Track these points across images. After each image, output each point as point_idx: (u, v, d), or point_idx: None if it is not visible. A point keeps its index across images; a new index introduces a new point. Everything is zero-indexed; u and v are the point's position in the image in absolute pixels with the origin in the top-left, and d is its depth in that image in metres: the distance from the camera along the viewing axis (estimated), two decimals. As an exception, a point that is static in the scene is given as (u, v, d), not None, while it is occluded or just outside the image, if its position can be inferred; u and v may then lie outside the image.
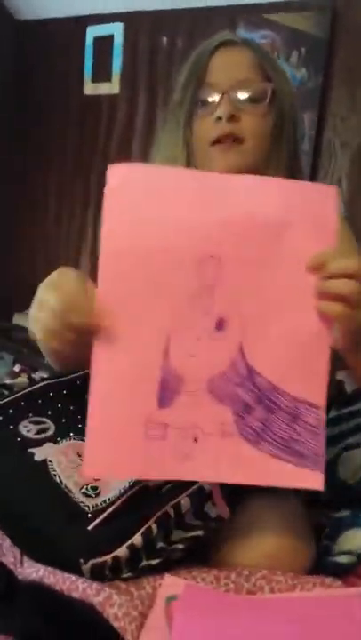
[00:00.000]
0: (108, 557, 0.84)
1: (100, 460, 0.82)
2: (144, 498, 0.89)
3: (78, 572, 0.84)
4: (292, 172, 1.11)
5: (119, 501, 0.88)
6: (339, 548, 0.95)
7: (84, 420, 1.00)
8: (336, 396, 1.26)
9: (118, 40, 2.44)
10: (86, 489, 0.91)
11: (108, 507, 0.88)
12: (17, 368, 2.26)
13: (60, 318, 0.79)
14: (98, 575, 0.84)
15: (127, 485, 0.90)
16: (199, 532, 0.89)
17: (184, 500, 0.88)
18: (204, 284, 0.79)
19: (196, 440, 0.81)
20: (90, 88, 2.57)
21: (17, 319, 2.84)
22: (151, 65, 2.40)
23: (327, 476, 1.12)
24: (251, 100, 1.01)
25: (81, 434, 0.98)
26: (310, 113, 1.88)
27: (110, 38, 2.46)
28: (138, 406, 0.80)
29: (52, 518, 0.88)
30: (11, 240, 2.79)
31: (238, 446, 0.81)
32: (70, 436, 0.99)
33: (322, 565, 0.91)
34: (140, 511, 0.88)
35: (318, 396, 0.82)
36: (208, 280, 0.79)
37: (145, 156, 2.45)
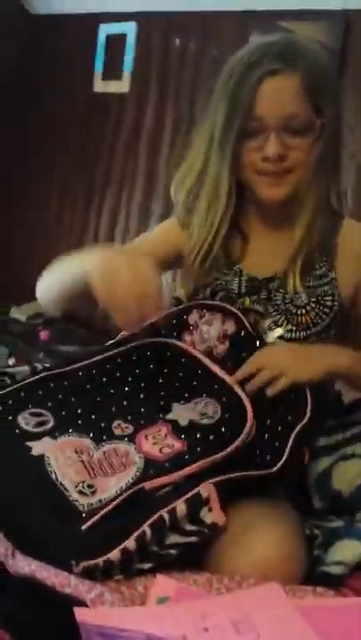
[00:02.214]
0: (100, 560, 0.83)
1: None
2: (140, 500, 0.88)
3: (69, 571, 0.84)
4: (336, 192, 1.12)
5: (114, 502, 0.87)
6: (330, 558, 0.94)
7: (83, 415, 1.01)
8: (333, 405, 1.26)
9: (130, 39, 2.44)
10: (82, 487, 0.90)
11: (103, 507, 0.87)
12: (11, 361, 2.26)
13: (132, 301, 0.87)
14: (89, 576, 0.83)
15: (124, 486, 0.90)
16: (193, 539, 0.88)
17: (180, 506, 0.87)
18: None
19: None
20: (100, 85, 2.57)
21: (14, 312, 2.83)
22: (162, 65, 2.40)
23: (322, 485, 1.13)
24: (299, 134, 1.02)
25: (80, 430, 0.98)
26: (319, 122, 1.89)
27: (123, 37, 2.46)
28: None
29: (45, 516, 0.88)
30: (11, 236, 2.79)
31: None
32: (69, 432, 0.98)
33: (313, 575, 0.91)
34: (135, 514, 0.87)
35: None
36: None
37: (152, 156, 2.45)
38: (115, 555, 0.83)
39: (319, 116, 1.02)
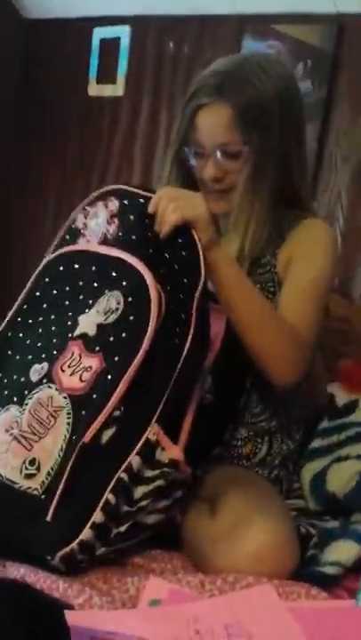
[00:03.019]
0: (74, 544, 0.83)
1: None
2: (88, 458, 0.85)
3: (51, 565, 0.83)
4: (292, 193, 1.20)
5: (64, 473, 0.85)
6: (326, 558, 0.94)
7: (5, 381, 0.96)
8: (327, 408, 1.26)
9: (125, 43, 2.44)
10: (25, 467, 0.88)
11: (55, 480, 0.85)
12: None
13: None
14: (71, 563, 0.83)
15: (63, 445, 0.87)
16: (159, 482, 0.87)
17: (134, 460, 0.86)
18: None
19: None
20: (94, 89, 2.57)
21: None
22: (156, 69, 2.40)
23: (317, 487, 1.13)
24: (230, 158, 1.13)
25: (4, 402, 0.94)
26: (313, 125, 1.89)
27: (117, 41, 2.46)
28: None
29: (9, 524, 0.87)
30: (8, 240, 2.78)
31: None
32: None
33: (308, 574, 0.91)
34: (91, 482, 0.85)
35: None
36: None
37: (146, 159, 2.45)
38: (86, 533, 0.83)
39: (247, 144, 1.12)
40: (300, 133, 1.19)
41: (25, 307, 1.04)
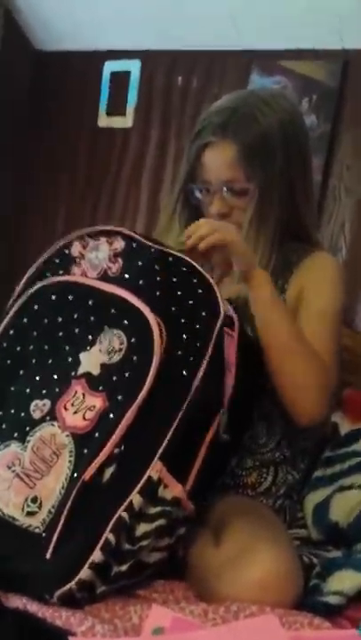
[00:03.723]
0: (72, 583, 0.82)
1: None
2: (89, 497, 0.84)
3: (52, 604, 0.83)
4: (298, 225, 1.21)
5: (65, 511, 0.84)
6: (328, 587, 0.94)
7: (5, 416, 0.95)
8: (330, 437, 1.26)
9: (135, 76, 2.50)
10: (27, 505, 0.88)
11: (56, 518, 0.84)
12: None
13: None
14: (70, 602, 0.83)
15: (65, 483, 0.86)
16: (161, 522, 0.86)
17: (135, 499, 0.84)
18: None
19: None
20: (104, 121, 2.62)
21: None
22: (165, 102, 2.44)
23: (320, 516, 1.13)
24: (236, 195, 1.16)
25: (5, 437, 0.93)
26: (318, 158, 1.92)
27: (127, 74, 2.51)
28: None
29: (8, 557, 0.87)
30: (12, 269, 2.80)
31: None
32: None
33: (311, 604, 0.91)
34: (91, 521, 0.84)
35: None
36: None
37: (154, 191, 2.48)
38: (85, 573, 0.82)
39: (251, 181, 1.14)
40: (305, 165, 1.22)
41: (11, 332, 1.01)
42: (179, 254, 0.97)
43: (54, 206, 2.73)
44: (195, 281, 0.94)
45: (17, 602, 0.85)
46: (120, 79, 2.53)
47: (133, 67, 2.49)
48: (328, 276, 1.18)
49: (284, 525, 1.12)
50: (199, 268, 0.95)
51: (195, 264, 0.95)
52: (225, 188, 1.16)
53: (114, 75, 2.56)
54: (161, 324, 0.89)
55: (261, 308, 1.05)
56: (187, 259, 0.96)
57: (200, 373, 0.89)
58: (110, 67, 2.56)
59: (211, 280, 0.95)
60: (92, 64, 2.61)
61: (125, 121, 2.54)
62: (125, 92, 2.51)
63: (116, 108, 2.56)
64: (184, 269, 0.95)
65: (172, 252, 0.97)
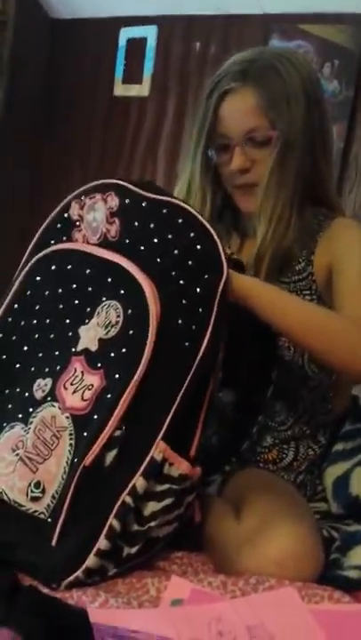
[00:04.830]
0: (79, 572, 0.81)
1: None
2: (92, 481, 0.82)
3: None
4: (319, 189, 1.17)
5: (68, 497, 0.82)
6: (349, 562, 0.93)
7: (8, 396, 0.92)
8: (350, 410, 1.25)
9: (151, 43, 2.45)
10: (31, 490, 0.85)
11: (60, 504, 0.83)
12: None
13: None
14: (81, 585, 0.81)
15: (66, 468, 0.84)
16: (169, 501, 0.83)
17: (138, 482, 0.81)
18: None
19: None
20: (120, 89, 2.58)
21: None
22: (182, 69, 2.40)
23: (340, 490, 1.12)
24: (258, 145, 1.10)
25: (10, 419, 0.91)
26: (340, 125, 1.88)
27: (143, 41, 2.47)
28: None
29: (14, 543, 0.85)
30: (30, 239, 2.79)
31: None
32: (3, 428, 0.91)
33: (330, 578, 0.90)
34: (95, 507, 0.81)
35: None
36: None
37: (171, 160, 2.45)
38: (91, 560, 0.81)
39: (276, 128, 1.08)
40: (324, 122, 1.16)
41: (15, 306, 0.98)
42: (174, 201, 0.90)
43: (69, 177, 2.71)
44: (192, 235, 0.86)
45: (28, 582, 0.84)
46: (136, 46, 2.49)
47: (150, 33, 2.45)
48: (355, 241, 1.13)
49: (305, 500, 1.12)
50: (197, 215, 0.87)
51: (191, 210, 0.88)
52: (247, 139, 1.09)
53: (130, 41, 2.51)
54: (156, 292, 0.84)
55: (272, 312, 0.93)
56: (182, 205, 0.89)
57: (203, 344, 0.83)
58: (126, 33, 2.52)
59: (211, 230, 0.86)
60: (108, 31, 2.57)
61: (142, 89, 2.51)
62: (142, 60, 2.47)
63: (133, 76, 2.53)
64: (180, 221, 0.87)
65: (165, 199, 0.90)
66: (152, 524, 0.83)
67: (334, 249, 1.12)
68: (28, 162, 2.77)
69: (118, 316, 0.86)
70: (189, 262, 0.85)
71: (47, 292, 0.95)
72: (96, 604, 0.78)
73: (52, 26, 2.75)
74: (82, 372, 0.87)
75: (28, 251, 1.02)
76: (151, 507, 0.83)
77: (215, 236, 0.85)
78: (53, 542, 0.82)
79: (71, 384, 0.87)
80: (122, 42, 2.54)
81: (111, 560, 0.82)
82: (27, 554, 0.83)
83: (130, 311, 0.85)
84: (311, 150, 1.12)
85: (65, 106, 2.75)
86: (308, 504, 1.09)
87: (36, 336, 0.94)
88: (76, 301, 0.92)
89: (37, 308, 0.96)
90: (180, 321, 0.83)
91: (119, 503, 0.81)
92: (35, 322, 0.95)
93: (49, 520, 0.83)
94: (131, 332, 0.84)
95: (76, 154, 2.72)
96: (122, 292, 0.87)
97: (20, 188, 2.74)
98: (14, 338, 0.96)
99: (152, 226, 0.89)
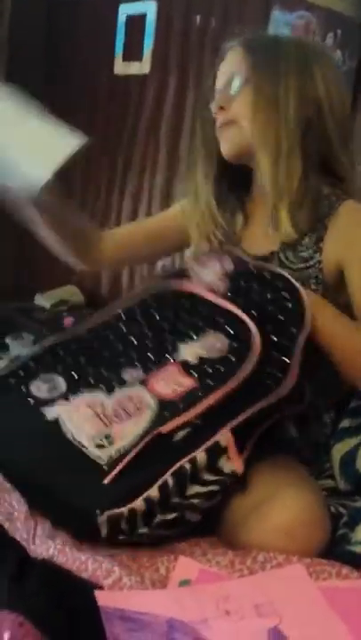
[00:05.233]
0: (125, 509, 0.84)
1: None
2: (159, 447, 0.89)
3: (94, 527, 0.84)
4: (328, 160, 1.14)
5: (133, 451, 0.88)
6: (356, 537, 0.93)
7: (93, 373, 1.02)
8: (356, 386, 1.24)
9: (151, 19, 2.41)
10: (100, 439, 0.91)
11: (123, 456, 0.88)
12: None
13: None
14: (114, 528, 0.84)
15: (141, 432, 0.90)
16: (214, 487, 0.90)
17: (200, 455, 0.88)
18: None
19: None
20: (120, 67, 2.55)
21: (38, 300, 2.84)
22: (183, 45, 2.36)
23: (347, 466, 1.11)
24: (234, 89, 1.12)
25: (91, 387, 0.99)
26: (344, 97, 1.85)
27: (143, 17, 2.43)
28: None
29: (66, 476, 0.89)
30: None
31: None
32: (81, 391, 0.99)
33: (339, 553, 0.90)
34: (156, 463, 0.88)
35: None
36: None
37: (173, 137, 2.42)
38: (139, 504, 0.85)
39: (254, 70, 1.10)
40: (336, 92, 1.12)
41: (123, 316, 1.10)
42: (276, 269, 1.07)
43: (70, 160, 2.69)
44: (286, 295, 1.02)
45: (44, 552, 0.85)
46: (136, 22, 2.46)
47: (149, 8, 2.41)
48: None
49: (311, 477, 1.11)
50: (292, 280, 1.03)
51: (288, 277, 1.04)
52: (226, 81, 1.13)
53: (129, 18, 2.48)
54: (259, 336, 0.98)
55: (325, 336, 1.03)
56: (282, 272, 1.05)
57: (284, 387, 0.96)
58: (125, 9, 2.48)
59: (301, 291, 1.02)
60: (107, 8, 2.53)
61: (142, 66, 2.47)
62: (142, 36, 2.44)
63: (133, 53, 2.49)
64: (279, 284, 1.04)
65: (269, 267, 1.08)
66: (192, 501, 0.88)
67: (346, 241, 1.09)
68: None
69: (223, 346, 0.99)
70: (281, 318, 1.01)
71: (154, 312, 1.09)
72: (109, 580, 0.80)
73: (49, 3, 2.72)
74: (176, 374, 0.98)
75: (139, 289, 1.15)
76: (196, 488, 0.89)
77: (304, 298, 1.01)
78: (106, 481, 0.87)
79: (163, 380, 0.97)
80: (121, 19, 2.50)
81: (145, 517, 0.86)
82: (78, 482, 0.88)
83: (235, 344, 0.99)
84: (319, 118, 1.10)
85: (64, 84, 2.72)
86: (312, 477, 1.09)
87: (135, 342, 1.06)
88: (182, 327, 1.05)
89: (142, 322, 1.08)
90: (267, 369, 0.96)
91: (178, 465, 0.88)
92: (135, 330, 1.07)
93: (105, 467, 0.88)
94: (232, 358, 0.97)
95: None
96: (230, 330, 1.01)
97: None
98: (111, 337, 1.08)
99: (255, 286, 1.05)
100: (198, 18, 2.30)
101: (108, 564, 0.83)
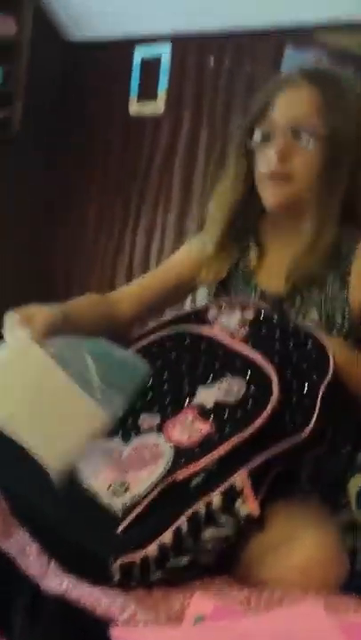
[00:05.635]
0: (138, 557, 0.83)
1: None
2: (173, 493, 0.88)
3: (106, 573, 0.83)
4: (352, 202, 1.14)
5: (148, 498, 0.88)
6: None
7: None
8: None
9: (165, 60, 2.47)
10: (114, 486, 0.90)
11: (137, 504, 0.87)
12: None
13: None
14: (127, 575, 0.83)
15: (155, 480, 0.90)
16: (229, 531, 0.88)
17: (215, 498, 0.87)
18: None
19: None
20: (135, 108, 2.60)
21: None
22: (197, 84, 2.41)
23: (366, 500, 1.10)
24: (304, 142, 1.08)
25: (108, 433, 0.98)
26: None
27: (158, 58, 2.49)
28: None
29: (80, 522, 0.88)
30: (48, 256, 2.82)
31: None
32: None
33: (356, 587, 0.89)
34: (170, 509, 0.87)
35: None
36: None
37: (186, 174, 2.46)
38: (152, 550, 0.84)
39: (327, 129, 1.07)
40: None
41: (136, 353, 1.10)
42: (297, 321, 1.10)
43: (86, 198, 2.73)
44: (309, 346, 1.02)
45: (57, 586, 0.84)
46: (151, 64, 2.52)
47: (164, 50, 2.47)
48: None
49: (329, 510, 1.10)
50: (315, 333, 1.03)
51: (310, 331, 1.04)
52: (294, 130, 1.07)
53: (145, 60, 2.54)
54: (278, 382, 0.98)
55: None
56: (302, 324, 1.07)
57: (303, 432, 0.94)
58: (141, 52, 2.54)
59: (324, 343, 1.01)
60: (122, 51, 2.60)
61: (157, 106, 2.52)
62: (156, 77, 2.50)
63: (148, 93, 2.55)
64: (302, 335, 1.04)
65: (289, 318, 1.11)
66: (208, 545, 0.87)
67: None
68: (42, 181, 2.80)
69: (240, 390, 0.99)
70: (304, 365, 1.01)
71: (173, 354, 1.09)
72: (124, 615, 0.78)
73: (66, 47, 2.79)
74: (192, 420, 0.98)
75: (157, 324, 1.15)
76: (210, 532, 0.87)
77: (327, 347, 1.01)
78: (119, 530, 0.86)
79: (180, 425, 0.97)
80: (136, 61, 2.56)
81: (158, 563, 0.85)
82: (88, 537, 0.87)
83: (253, 389, 0.99)
84: (355, 172, 1.11)
85: (80, 126, 2.77)
86: (329, 514, 1.08)
87: (150, 382, 1.06)
88: (200, 370, 1.05)
89: (159, 363, 1.08)
90: (287, 417, 0.96)
91: (193, 509, 0.87)
92: (152, 373, 1.07)
93: (119, 515, 0.88)
94: (250, 404, 0.97)
95: (92, 173, 2.74)
96: (248, 374, 1.01)
97: (34, 205, 2.78)
98: None
99: (277, 335, 1.05)
100: (212, 58, 2.36)
101: (122, 599, 0.82)
